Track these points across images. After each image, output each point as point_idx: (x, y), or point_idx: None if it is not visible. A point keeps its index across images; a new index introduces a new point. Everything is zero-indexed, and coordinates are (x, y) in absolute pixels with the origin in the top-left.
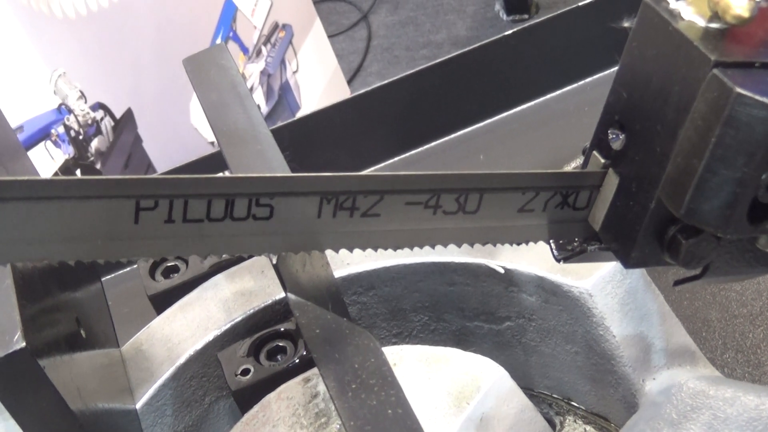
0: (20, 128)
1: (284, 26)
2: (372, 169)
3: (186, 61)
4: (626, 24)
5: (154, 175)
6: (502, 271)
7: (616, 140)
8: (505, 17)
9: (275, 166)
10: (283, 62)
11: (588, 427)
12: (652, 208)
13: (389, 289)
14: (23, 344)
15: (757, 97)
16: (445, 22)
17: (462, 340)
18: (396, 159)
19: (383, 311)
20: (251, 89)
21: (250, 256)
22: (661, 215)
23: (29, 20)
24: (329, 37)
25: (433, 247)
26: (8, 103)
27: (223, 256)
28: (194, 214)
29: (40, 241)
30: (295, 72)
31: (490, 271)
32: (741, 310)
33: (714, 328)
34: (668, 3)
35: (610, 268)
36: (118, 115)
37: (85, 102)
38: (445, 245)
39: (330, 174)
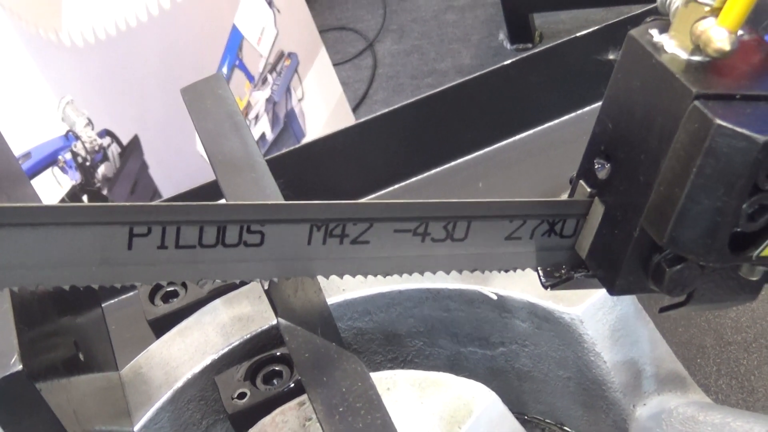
0: (28, 154)
1: (290, 55)
2: (374, 195)
3: (184, 91)
4: (611, 56)
5: (147, 203)
6: (495, 297)
7: (602, 170)
8: (509, 46)
9: (269, 193)
10: (288, 90)
11: None
12: (636, 237)
13: (384, 315)
14: (20, 367)
15: (737, 129)
16: (449, 51)
17: (456, 365)
18: (397, 186)
19: (379, 336)
20: (257, 117)
21: (245, 282)
22: (645, 243)
23: (38, 48)
24: (335, 65)
25: (422, 273)
26: (16, 129)
27: (217, 281)
28: (187, 240)
29: (36, 267)
30: (300, 100)
31: (483, 298)
32: (735, 337)
33: (709, 355)
34: (652, 36)
35: (601, 294)
36: (124, 142)
37: (92, 129)
38: (434, 272)
39: (320, 202)
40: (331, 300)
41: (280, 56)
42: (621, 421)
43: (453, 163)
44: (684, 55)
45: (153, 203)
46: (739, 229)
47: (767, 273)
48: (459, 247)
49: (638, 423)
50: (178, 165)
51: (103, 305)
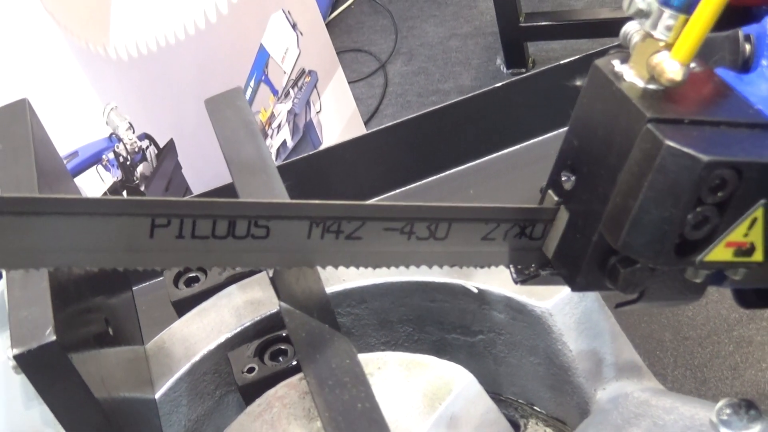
0: (75, 153)
1: (310, 72)
2: (376, 198)
3: (207, 101)
4: (578, 83)
5: (168, 198)
6: (475, 291)
7: (568, 181)
8: (505, 70)
9: (276, 193)
10: (307, 103)
11: (548, 429)
12: (595, 241)
13: (379, 303)
14: (54, 338)
15: (684, 149)
16: (452, 73)
17: (441, 349)
18: (397, 191)
19: (373, 322)
20: (279, 126)
21: (255, 270)
22: (603, 247)
23: (87, 60)
24: (350, 82)
25: (407, 267)
26: (66, 131)
27: (229, 269)
28: (201, 231)
29: (69, 250)
30: (318, 112)
31: (465, 291)
32: (691, 333)
33: (667, 348)
34: (613, 66)
35: (568, 291)
36: (161, 144)
37: (133, 132)
38: (417, 266)
39: (319, 201)
40: (332, 289)
41: (302, 73)
42: (584, 403)
43: (448, 172)
44: (641, 84)
45: (172, 198)
46: (684, 237)
47: (710, 276)
48: (440, 245)
49: (599, 405)
50: (207, 166)
51: (133, 288)
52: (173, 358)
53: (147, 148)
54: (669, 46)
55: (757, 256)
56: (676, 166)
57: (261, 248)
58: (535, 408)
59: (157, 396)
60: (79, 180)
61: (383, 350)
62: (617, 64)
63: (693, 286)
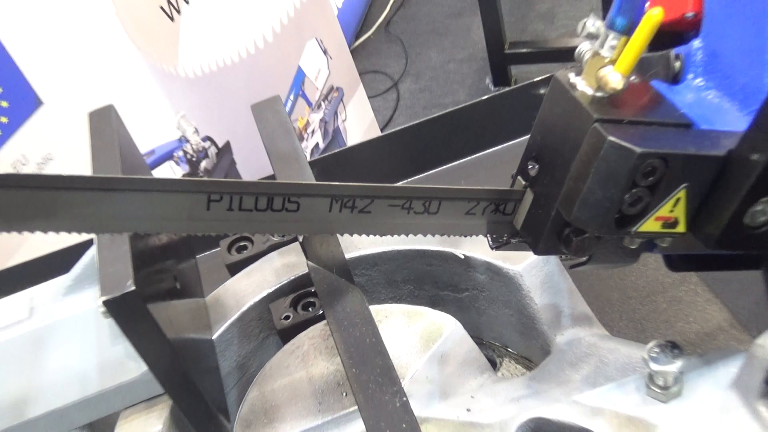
0: (152, 152)
1: (337, 89)
2: None
3: (253, 106)
4: (542, 91)
5: (221, 179)
6: (462, 257)
7: (533, 169)
8: (492, 88)
9: (305, 177)
10: (335, 113)
11: (518, 366)
12: (553, 215)
13: (387, 267)
14: (133, 288)
15: (622, 143)
16: (450, 90)
17: (435, 303)
18: (403, 181)
19: (383, 281)
20: (312, 131)
21: (292, 239)
22: (559, 220)
23: (162, 78)
24: (369, 97)
25: (407, 236)
26: (145, 134)
27: (269, 237)
28: (246, 205)
29: (145, 219)
30: (343, 120)
31: (454, 257)
32: (633, 293)
33: (614, 305)
34: (569, 77)
35: (535, 257)
36: (220, 145)
37: (198, 135)
38: (415, 235)
39: (338, 183)
40: (351, 255)
41: (331, 89)
42: (546, 345)
43: (444, 167)
44: (590, 92)
45: (224, 179)
46: (622, 212)
47: (643, 243)
48: (433, 218)
49: (557, 347)
50: (256, 163)
51: (197, 256)
52: (227, 308)
53: (208, 147)
54: (613, 62)
55: (680, 228)
56: (616, 156)
57: (293, 219)
58: (509, 349)
59: (214, 337)
60: (155, 173)
61: (390, 303)
62: (572, 76)
63: (630, 251)
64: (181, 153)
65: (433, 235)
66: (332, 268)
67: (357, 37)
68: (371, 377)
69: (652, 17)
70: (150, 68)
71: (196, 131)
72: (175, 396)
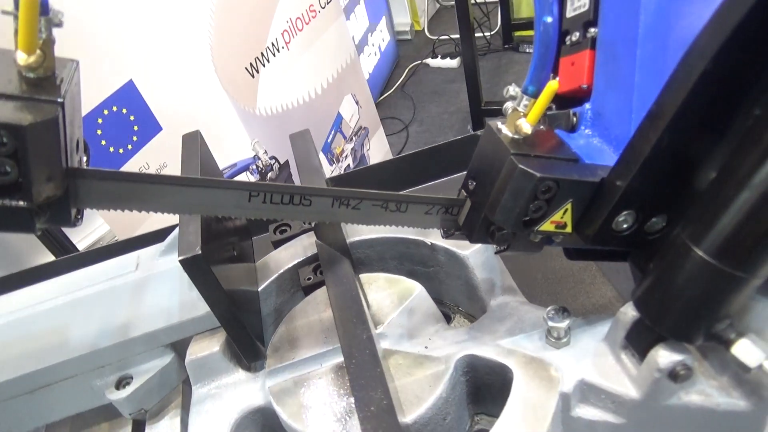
0: (234, 165)
1: (364, 128)
2: None
3: (291, 135)
4: (479, 132)
5: (258, 182)
6: (429, 243)
7: (471, 185)
8: (471, 131)
9: (318, 184)
10: (362, 145)
11: (465, 320)
12: (482, 217)
13: (379, 248)
14: (199, 252)
15: (528, 170)
16: (443, 132)
17: (411, 274)
18: (409, 190)
19: (376, 258)
20: (345, 156)
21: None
22: (487, 220)
23: (243, 115)
24: (387, 135)
25: (385, 226)
26: (230, 153)
27: (297, 222)
28: (275, 200)
29: (206, 205)
30: (368, 150)
31: (424, 244)
32: (551, 275)
33: (538, 283)
34: (497, 124)
35: (479, 245)
36: (281, 162)
37: (267, 155)
38: (391, 226)
39: (338, 188)
40: (354, 239)
41: (360, 128)
42: (484, 306)
43: (427, 184)
44: (510, 135)
45: (262, 182)
46: (528, 216)
47: (543, 238)
48: (403, 215)
49: (491, 308)
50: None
51: (254, 237)
52: (269, 270)
53: (273, 164)
54: (525, 115)
55: (568, 229)
56: (523, 178)
57: (307, 211)
58: (459, 308)
59: (259, 289)
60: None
61: (379, 273)
62: (499, 124)
63: (535, 244)
64: (254, 167)
65: (404, 227)
66: (334, 246)
67: (381, 94)
68: (350, 318)
69: (551, 87)
70: (236, 108)
71: (265, 152)
72: (227, 328)
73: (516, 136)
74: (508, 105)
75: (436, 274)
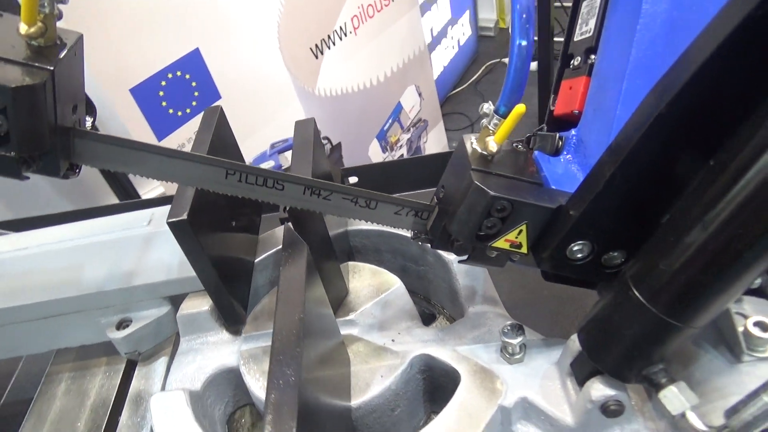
0: (286, 140)
1: (424, 120)
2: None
3: (296, 122)
4: (454, 144)
5: (233, 161)
6: (420, 243)
7: (441, 193)
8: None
9: (306, 171)
10: (419, 137)
11: (447, 322)
12: (443, 227)
13: (375, 240)
14: (185, 217)
15: (483, 187)
16: None
17: (403, 270)
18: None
19: (372, 249)
20: (400, 146)
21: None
22: (447, 231)
23: (303, 94)
24: (451, 130)
25: (354, 219)
26: (286, 129)
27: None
28: (251, 180)
29: (189, 177)
30: (424, 142)
31: (415, 243)
32: (560, 293)
33: (543, 300)
34: (469, 139)
35: None
36: (334, 143)
37: (320, 135)
38: (360, 220)
39: (309, 178)
40: (354, 227)
41: (419, 120)
42: (462, 312)
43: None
44: (479, 151)
45: (237, 162)
46: (483, 231)
47: (501, 255)
48: (372, 211)
49: (468, 314)
50: (358, 158)
51: (264, 215)
52: (269, 244)
53: (326, 144)
54: (494, 134)
55: (524, 249)
56: (477, 194)
57: (279, 195)
58: (444, 310)
59: (256, 260)
60: (287, 155)
61: (375, 264)
62: (471, 139)
63: (495, 259)
64: None
65: (372, 223)
66: (312, 235)
67: (453, 88)
68: (288, 299)
69: (517, 111)
70: (295, 86)
71: (319, 132)
72: (208, 290)
73: (484, 152)
74: (483, 122)
75: (425, 273)
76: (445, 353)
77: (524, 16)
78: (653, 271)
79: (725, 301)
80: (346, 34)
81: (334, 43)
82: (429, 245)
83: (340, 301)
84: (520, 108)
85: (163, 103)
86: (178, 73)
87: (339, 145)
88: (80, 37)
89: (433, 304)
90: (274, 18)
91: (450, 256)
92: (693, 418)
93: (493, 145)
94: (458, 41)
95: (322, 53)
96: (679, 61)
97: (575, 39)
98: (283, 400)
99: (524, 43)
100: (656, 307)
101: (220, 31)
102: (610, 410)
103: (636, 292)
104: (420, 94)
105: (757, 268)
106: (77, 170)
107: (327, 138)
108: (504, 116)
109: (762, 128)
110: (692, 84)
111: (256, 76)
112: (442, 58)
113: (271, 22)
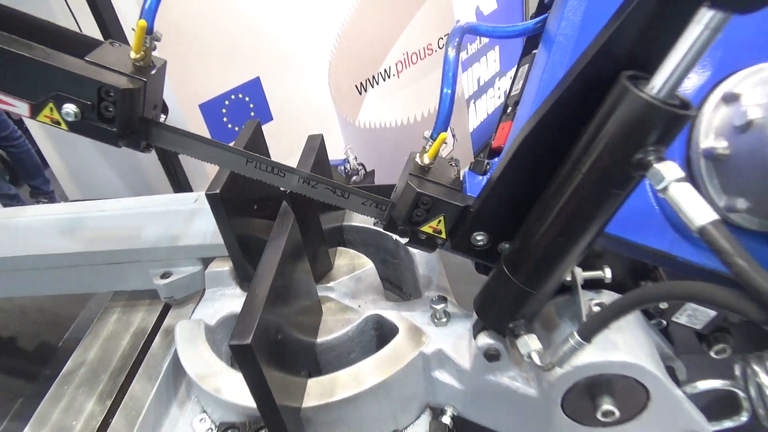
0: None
1: (456, 159)
2: None
3: (308, 136)
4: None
5: (253, 153)
6: (395, 239)
7: (395, 191)
8: None
9: (302, 167)
10: None
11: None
12: (392, 215)
13: (363, 235)
14: (218, 191)
15: (412, 186)
16: None
17: (384, 261)
18: None
19: (361, 242)
20: None
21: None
22: (393, 217)
23: (344, 124)
24: None
25: (335, 205)
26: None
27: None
28: (263, 168)
29: (223, 161)
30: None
31: (391, 239)
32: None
33: (462, 282)
34: (415, 153)
35: None
36: (368, 170)
37: (356, 160)
38: (341, 207)
39: (302, 170)
40: (349, 223)
41: (451, 159)
42: (421, 295)
43: None
44: (419, 163)
45: (255, 154)
46: (413, 219)
47: (430, 239)
48: (345, 200)
49: (422, 298)
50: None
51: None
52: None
53: (360, 170)
54: (427, 151)
55: (443, 235)
56: (409, 193)
57: (282, 180)
58: (411, 297)
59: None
60: None
61: (359, 253)
62: (416, 154)
63: (426, 242)
64: (341, 168)
65: (349, 209)
66: (303, 213)
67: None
68: (270, 256)
69: (440, 138)
70: (338, 116)
71: (356, 158)
72: (229, 251)
73: (420, 163)
74: (424, 143)
75: (399, 264)
76: (392, 315)
77: (450, 74)
78: (515, 252)
79: (560, 274)
80: (389, 76)
81: (377, 83)
82: (389, 231)
83: (325, 273)
84: (443, 135)
85: (224, 119)
86: (240, 96)
87: (372, 172)
88: (165, 63)
89: (404, 292)
90: (326, 57)
91: (414, 251)
92: (534, 357)
93: (426, 158)
94: (505, 92)
95: (365, 90)
96: (537, 110)
97: (511, 94)
98: (248, 312)
99: (448, 91)
100: (516, 278)
101: (278, 64)
102: (490, 355)
103: (505, 268)
104: (453, 136)
105: (577, 252)
106: (151, 148)
107: (362, 164)
108: (434, 140)
109: (568, 159)
110: (538, 126)
111: (305, 104)
112: (487, 106)
113: (323, 60)
